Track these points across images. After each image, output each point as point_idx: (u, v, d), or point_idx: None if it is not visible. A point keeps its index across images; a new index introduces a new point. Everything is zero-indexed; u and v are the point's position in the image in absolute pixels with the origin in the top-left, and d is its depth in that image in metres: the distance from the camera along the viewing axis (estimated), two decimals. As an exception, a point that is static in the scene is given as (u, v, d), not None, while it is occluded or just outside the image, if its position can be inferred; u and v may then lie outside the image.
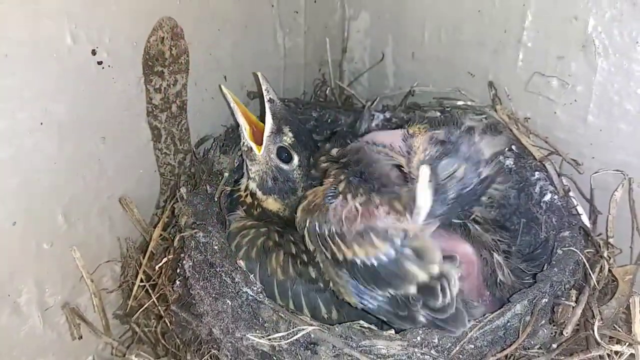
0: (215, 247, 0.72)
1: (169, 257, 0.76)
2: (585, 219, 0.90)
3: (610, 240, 0.90)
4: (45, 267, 0.74)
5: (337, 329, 0.65)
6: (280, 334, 0.65)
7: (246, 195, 0.83)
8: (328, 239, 0.69)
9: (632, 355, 0.72)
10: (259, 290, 0.69)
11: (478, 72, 1.03)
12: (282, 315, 0.67)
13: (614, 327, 0.77)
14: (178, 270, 0.75)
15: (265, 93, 0.80)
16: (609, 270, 0.80)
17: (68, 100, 0.71)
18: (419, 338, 0.65)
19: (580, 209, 0.91)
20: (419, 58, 1.10)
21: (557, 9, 0.90)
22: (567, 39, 0.90)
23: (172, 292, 0.75)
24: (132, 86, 0.79)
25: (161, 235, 0.81)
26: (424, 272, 0.67)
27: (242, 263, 0.72)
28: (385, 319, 0.71)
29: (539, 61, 0.95)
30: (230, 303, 0.69)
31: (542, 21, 0.93)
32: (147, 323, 0.82)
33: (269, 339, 0.65)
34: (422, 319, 0.68)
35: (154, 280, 0.79)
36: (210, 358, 0.71)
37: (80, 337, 0.76)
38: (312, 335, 0.65)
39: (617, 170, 0.90)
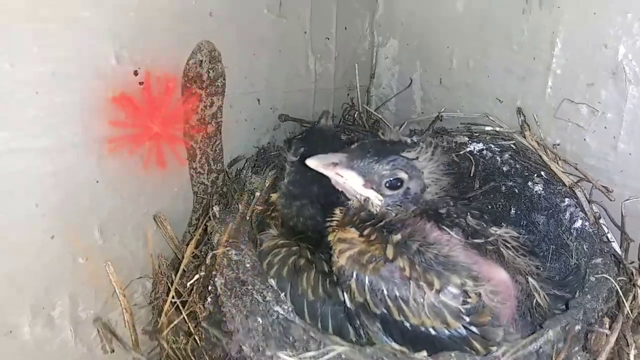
0: (247, 265, 0.73)
1: (201, 274, 0.77)
2: (616, 246, 0.90)
3: (643, 268, 0.88)
4: (79, 281, 0.75)
5: (367, 350, 0.65)
6: (311, 354, 0.65)
7: None
8: (387, 299, 0.67)
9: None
10: (290, 309, 0.70)
11: (506, 98, 1.04)
12: (313, 334, 0.67)
13: (648, 356, 0.76)
14: (209, 288, 0.75)
15: None
16: (643, 299, 0.79)
17: (110, 118, 0.73)
18: (451, 361, 0.64)
19: (611, 236, 0.91)
20: (447, 84, 1.11)
21: (587, 36, 0.91)
22: (596, 66, 0.91)
23: (202, 309, 0.76)
24: (171, 106, 0.81)
25: (193, 253, 0.82)
26: (484, 349, 0.67)
27: (273, 282, 0.73)
28: None
29: (568, 88, 0.96)
30: (261, 321, 0.69)
31: (572, 49, 0.94)
32: (175, 340, 0.82)
33: (300, 358, 0.65)
34: None
35: (184, 298, 0.80)
36: (240, 376, 0.71)
37: (112, 351, 0.77)
38: (343, 356, 0.65)
39: (651, 198, 0.89)
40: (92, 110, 0.71)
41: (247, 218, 0.81)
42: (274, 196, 0.84)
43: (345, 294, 0.70)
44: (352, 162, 0.72)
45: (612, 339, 0.74)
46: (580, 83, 0.94)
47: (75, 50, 0.68)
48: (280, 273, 0.75)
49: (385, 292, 0.67)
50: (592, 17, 0.90)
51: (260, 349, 0.69)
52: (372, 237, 0.70)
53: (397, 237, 0.69)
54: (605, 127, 0.93)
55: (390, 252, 0.68)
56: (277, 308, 0.70)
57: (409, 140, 0.76)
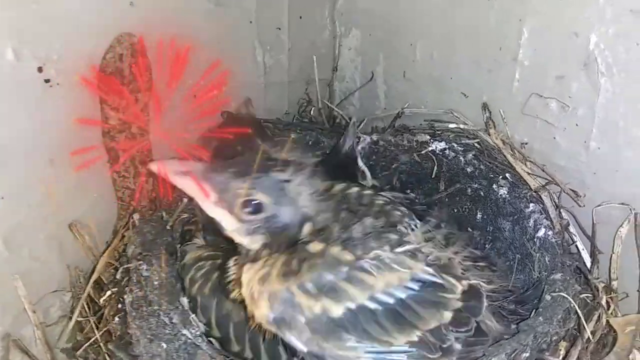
0: (155, 283, 0.67)
1: (113, 289, 0.70)
2: (586, 257, 0.81)
3: (614, 282, 0.79)
4: (-18, 296, 0.70)
5: (275, 381, 0.58)
6: (213, 385, 0.59)
7: None
8: (344, 282, 0.58)
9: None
10: (198, 333, 0.63)
11: (472, 92, 0.95)
12: (220, 362, 0.61)
13: (612, 385, 0.68)
14: (119, 306, 0.69)
15: None
16: (607, 321, 0.70)
17: (10, 121, 0.66)
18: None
19: (581, 246, 0.82)
20: (411, 77, 1.03)
21: (556, 24, 0.82)
22: (567, 57, 0.82)
23: (114, 328, 0.70)
24: (85, 105, 0.74)
25: (113, 265, 0.75)
26: (459, 284, 0.63)
27: (185, 301, 0.66)
28: None
29: (536, 81, 0.87)
30: (165, 346, 0.63)
31: (540, 37, 0.85)
32: (96, 359, 0.76)
33: (200, 390, 0.59)
34: (457, 345, 0.62)
35: (101, 313, 0.73)
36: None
37: None
38: (250, 388, 0.58)
39: (623, 204, 0.80)
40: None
41: (169, 227, 0.74)
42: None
43: (292, 339, 0.58)
44: (208, 173, 0.60)
45: (569, 367, 0.66)
46: (549, 76, 0.85)
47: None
48: (202, 290, 0.69)
49: (335, 277, 0.58)
50: (562, 3, 0.81)
51: (163, 377, 0.63)
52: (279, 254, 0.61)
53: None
54: (576, 125, 0.84)
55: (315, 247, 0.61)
56: (184, 331, 0.64)
57: (285, 157, 0.64)
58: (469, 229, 0.97)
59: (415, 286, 0.61)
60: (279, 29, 0.98)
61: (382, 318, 0.59)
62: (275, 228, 0.61)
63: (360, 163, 0.88)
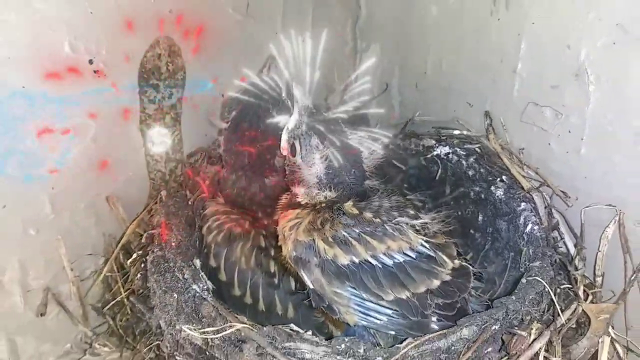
0: (173, 244, 0.77)
1: (138, 252, 0.81)
2: (572, 251, 0.86)
3: (598, 279, 0.84)
4: (29, 251, 0.82)
5: (265, 329, 0.66)
6: (211, 329, 0.67)
7: None
8: (353, 240, 0.70)
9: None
10: (204, 287, 0.72)
11: (476, 102, 1.02)
12: (221, 312, 0.69)
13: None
14: (142, 265, 0.80)
15: None
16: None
17: (61, 101, 0.79)
18: (343, 346, 0.64)
19: (569, 244, 0.87)
20: (422, 88, 1.11)
21: (551, 37, 0.89)
22: (560, 67, 0.88)
23: (136, 284, 0.80)
24: (127, 95, 0.86)
25: (140, 234, 0.86)
26: (451, 262, 0.73)
27: (197, 262, 0.76)
28: (393, 332, 0.71)
29: (533, 91, 0.93)
30: (177, 297, 0.72)
31: (536, 50, 0.92)
32: (121, 318, 0.86)
33: (201, 333, 0.68)
34: (434, 325, 0.71)
35: (127, 275, 0.84)
36: (156, 349, 0.74)
37: (42, 315, 0.82)
38: (242, 333, 0.67)
39: (610, 205, 0.84)
40: (47, 93, 0.78)
41: (190, 202, 0.85)
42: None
43: (304, 275, 0.70)
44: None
45: (537, 345, 0.70)
46: (545, 85, 0.91)
47: (31, 37, 0.74)
48: (216, 239, 0.79)
49: (349, 235, 0.70)
50: (555, 17, 0.88)
51: (172, 323, 0.72)
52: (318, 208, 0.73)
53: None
54: (569, 131, 0.89)
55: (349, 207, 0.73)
56: (194, 286, 0.73)
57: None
58: (472, 230, 1.03)
59: (413, 255, 0.71)
60: (302, 41, 1.09)
61: (379, 274, 0.69)
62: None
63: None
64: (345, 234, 0.70)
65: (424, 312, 0.70)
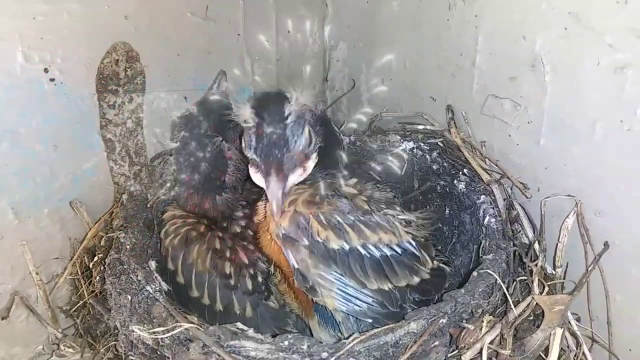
0: (127, 247, 0.78)
1: (99, 255, 0.83)
2: (536, 246, 0.85)
3: (559, 269, 0.83)
4: (-6, 257, 0.84)
5: (211, 328, 0.67)
6: (160, 329, 0.68)
7: None
8: (347, 227, 0.72)
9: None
10: (157, 289, 0.73)
11: (439, 96, 1.02)
12: (172, 313, 0.71)
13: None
14: (101, 268, 0.81)
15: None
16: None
17: (19, 110, 0.81)
18: (287, 342, 0.65)
19: (531, 236, 0.87)
20: (388, 85, 1.11)
21: (507, 28, 0.88)
22: (517, 59, 0.88)
23: (96, 286, 0.81)
24: (85, 102, 0.88)
25: (102, 236, 0.88)
26: (431, 262, 0.77)
27: (152, 264, 0.77)
28: (371, 320, 0.73)
29: (492, 83, 0.93)
30: (130, 298, 0.74)
31: (494, 42, 0.91)
32: (87, 318, 0.88)
33: (150, 333, 0.69)
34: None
35: (91, 276, 0.86)
36: (114, 349, 0.75)
37: (3, 318, 0.84)
38: (190, 333, 0.68)
39: (569, 196, 0.84)
40: (2, 102, 0.79)
41: (149, 205, 0.86)
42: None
43: (289, 253, 0.71)
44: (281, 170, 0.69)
45: (488, 338, 0.70)
46: (503, 77, 0.91)
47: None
48: (173, 242, 0.80)
49: (344, 222, 0.72)
50: (510, 8, 0.88)
51: (125, 324, 0.73)
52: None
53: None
54: (528, 122, 0.89)
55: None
56: (147, 287, 0.74)
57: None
58: (439, 224, 1.03)
59: (399, 250, 0.75)
60: (267, 41, 1.10)
61: (366, 263, 0.72)
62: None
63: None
64: (340, 219, 0.72)
65: (402, 305, 0.73)
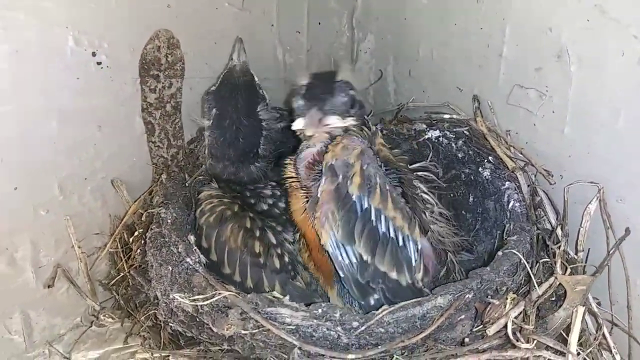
0: (169, 221, 0.82)
1: (139, 230, 0.87)
2: (559, 231, 0.88)
3: (580, 254, 0.86)
4: (40, 230, 0.88)
5: (249, 296, 0.71)
6: (200, 297, 0.72)
7: None
8: (378, 186, 0.75)
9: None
10: (197, 260, 0.78)
11: (465, 86, 1.05)
12: (211, 282, 0.75)
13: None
14: (142, 242, 0.85)
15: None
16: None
17: (68, 91, 0.86)
18: (320, 311, 0.69)
19: (553, 221, 0.89)
20: (415, 75, 1.14)
21: (533, 20, 0.91)
22: (543, 50, 0.91)
23: (136, 260, 0.86)
24: (129, 85, 0.93)
25: (142, 213, 0.92)
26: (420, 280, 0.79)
27: (191, 238, 0.82)
28: (341, 276, 0.77)
29: (518, 74, 0.95)
30: (171, 269, 0.78)
31: (520, 33, 0.94)
32: (125, 292, 0.93)
33: (191, 300, 0.73)
34: (372, 301, 0.77)
35: (130, 251, 0.90)
36: (153, 317, 0.80)
37: (49, 287, 0.89)
38: (229, 300, 0.72)
39: (592, 182, 0.86)
40: (52, 84, 0.84)
41: (187, 184, 0.90)
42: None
43: (327, 181, 0.75)
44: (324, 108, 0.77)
45: (513, 313, 0.73)
46: (529, 68, 0.93)
47: (37, 33, 0.81)
48: (208, 220, 0.84)
49: (379, 181, 0.75)
50: (537, 1, 0.90)
51: (166, 293, 0.77)
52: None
53: None
54: (552, 112, 0.92)
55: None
56: (187, 259, 0.78)
57: None
58: (463, 211, 1.06)
59: (401, 241, 0.77)
60: (299, 32, 1.14)
61: (367, 227, 0.75)
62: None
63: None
64: (377, 177, 0.75)
65: (369, 284, 0.77)
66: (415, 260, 0.79)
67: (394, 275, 0.77)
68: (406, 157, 0.93)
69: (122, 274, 0.91)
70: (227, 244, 0.82)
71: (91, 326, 0.93)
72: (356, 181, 0.74)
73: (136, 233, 0.88)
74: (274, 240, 0.87)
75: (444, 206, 0.91)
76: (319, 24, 1.17)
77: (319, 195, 0.75)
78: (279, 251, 0.86)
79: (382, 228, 0.76)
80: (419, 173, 0.92)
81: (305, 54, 1.17)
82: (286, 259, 0.87)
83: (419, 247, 0.79)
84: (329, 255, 0.76)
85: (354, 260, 0.74)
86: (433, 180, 0.93)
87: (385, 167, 0.81)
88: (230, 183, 0.91)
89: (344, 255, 0.74)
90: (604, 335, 0.80)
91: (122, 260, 0.91)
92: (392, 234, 0.77)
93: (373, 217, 0.75)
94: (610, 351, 0.80)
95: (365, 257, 0.74)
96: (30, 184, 0.86)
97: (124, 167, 0.96)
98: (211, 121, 0.88)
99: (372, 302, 0.78)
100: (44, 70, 0.83)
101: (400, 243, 0.78)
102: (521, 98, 0.96)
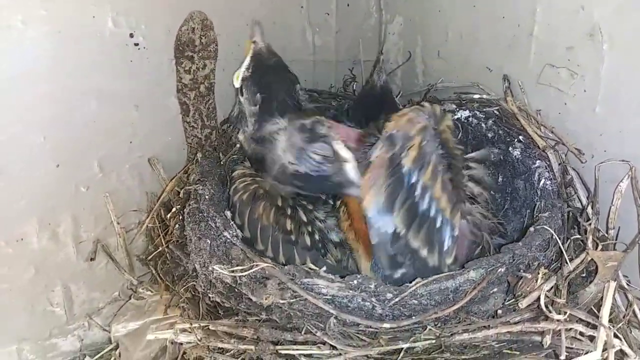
0: (206, 197, 0.85)
1: (177, 206, 0.90)
2: (590, 209, 0.88)
3: (611, 231, 0.86)
4: (81, 206, 0.92)
5: (286, 267, 0.73)
6: (239, 268, 0.75)
7: None
8: (430, 164, 0.75)
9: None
10: (234, 234, 0.80)
11: (495, 67, 1.05)
12: (248, 255, 0.77)
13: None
14: (180, 217, 0.88)
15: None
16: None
17: (107, 72, 0.89)
18: (355, 282, 0.71)
19: (584, 199, 0.90)
20: (444, 56, 1.15)
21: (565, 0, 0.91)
22: (575, 29, 0.91)
23: (174, 235, 0.89)
24: (164, 66, 0.95)
25: (179, 191, 0.95)
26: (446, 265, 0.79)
27: (228, 213, 0.84)
28: (374, 243, 0.76)
29: (549, 53, 0.95)
30: (209, 242, 0.80)
31: (551, 13, 0.94)
32: (162, 266, 0.96)
33: (230, 272, 0.75)
34: (398, 274, 0.77)
35: (167, 227, 0.93)
36: (192, 289, 0.82)
37: (92, 259, 0.92)
38: (267, 272, 0.74)
39: (623, 161, 0.87)
40: (91, 64, 0.87)
41: (222, 163, 0.93)
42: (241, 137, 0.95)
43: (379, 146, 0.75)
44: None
45: (546, 287, 0.74)
46: (560, 47, 0.93)
47: (77, 14, 0.84)
48: (242, 198, 0.86)
49: (433, 160, 0.75)
50: (569, -21, 0.90)
51: (205, 265, 0.80)
52: None
53: None
54: (584, 91, 0.92)
55: None
56: (225, 233, 0.81)
57: None
58: (492, 192, 1.07)
59: (439, 221, 0.77)
60: (328, 14, 1.15)
61: (408, 201, 0.74)
62: None
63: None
64: (433, 156, 0.76)
65: (397, 257, 0.77)
66: (448, 246, 0.79)
67: (424, 253, 0.77)
68: (462, 147, 0.90)
69: (159, 249, 0.93)
70: (259, 221, 0.84)
71: (130, 299, 0.96)
72: (412, 154, 0.74)
73: (173, 209, 0.91)
74: (304, 218, 0.89)
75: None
76: (348, 5, 1.18)
77: (370, 159, 0.76)
78: (309, 229, 0.88)
79: (424, 205, 0.76)
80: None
81: (334, 35, 1.18)
82: (317, 236, 0.89)
83: (455, 234, 0.79)
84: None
85: (390, 230, 0.75)
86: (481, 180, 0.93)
87: (442, 150, 0.82)
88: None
89: (381, 223, 0.75)
90: (634, 312, 0.81)
91: (159, 235, 0.93)
92: (432, 214, 0.77)
93: (417, 193, 0.75)
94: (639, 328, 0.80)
95: (399, 230, 0.75)
96: (72, 162, 0.89)
97: (159, 147, 0.99)
98: (257, 106, 0.90)
99: (397, 275, 0.78)
100: (84, 52, 0.86)
101: (438, 224, 0.78)
102: (552, 77, 0.96)
